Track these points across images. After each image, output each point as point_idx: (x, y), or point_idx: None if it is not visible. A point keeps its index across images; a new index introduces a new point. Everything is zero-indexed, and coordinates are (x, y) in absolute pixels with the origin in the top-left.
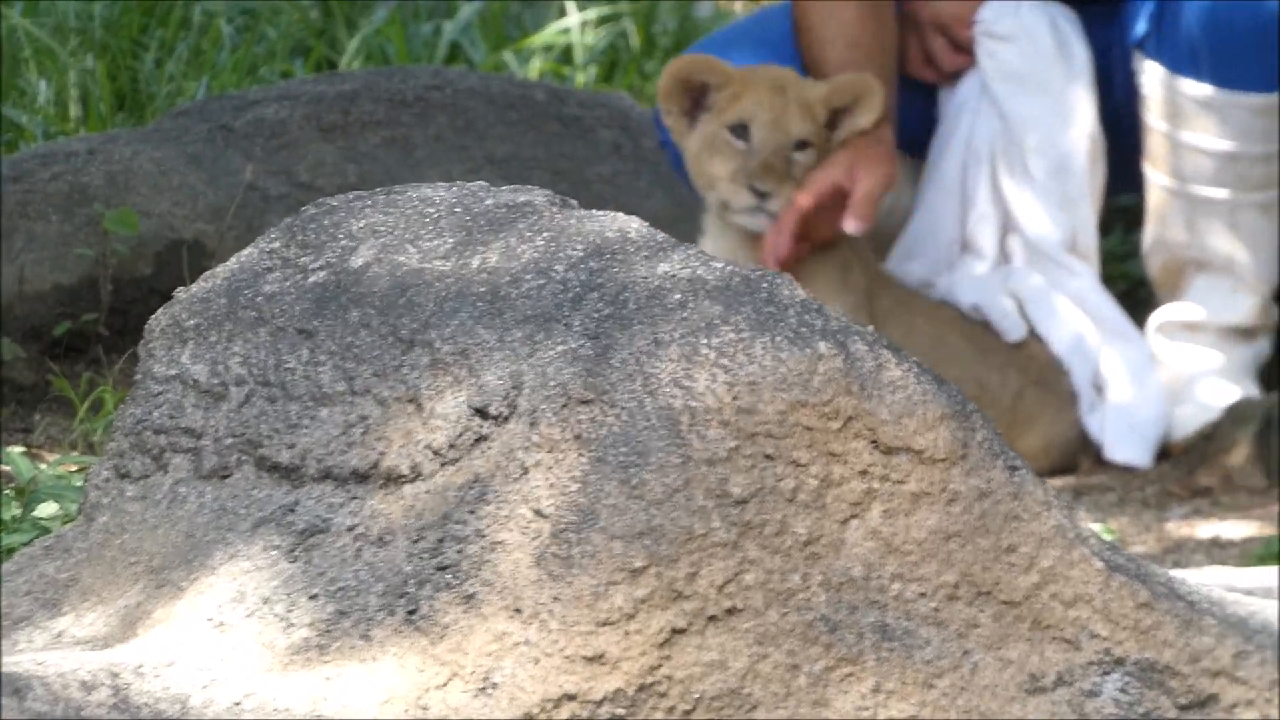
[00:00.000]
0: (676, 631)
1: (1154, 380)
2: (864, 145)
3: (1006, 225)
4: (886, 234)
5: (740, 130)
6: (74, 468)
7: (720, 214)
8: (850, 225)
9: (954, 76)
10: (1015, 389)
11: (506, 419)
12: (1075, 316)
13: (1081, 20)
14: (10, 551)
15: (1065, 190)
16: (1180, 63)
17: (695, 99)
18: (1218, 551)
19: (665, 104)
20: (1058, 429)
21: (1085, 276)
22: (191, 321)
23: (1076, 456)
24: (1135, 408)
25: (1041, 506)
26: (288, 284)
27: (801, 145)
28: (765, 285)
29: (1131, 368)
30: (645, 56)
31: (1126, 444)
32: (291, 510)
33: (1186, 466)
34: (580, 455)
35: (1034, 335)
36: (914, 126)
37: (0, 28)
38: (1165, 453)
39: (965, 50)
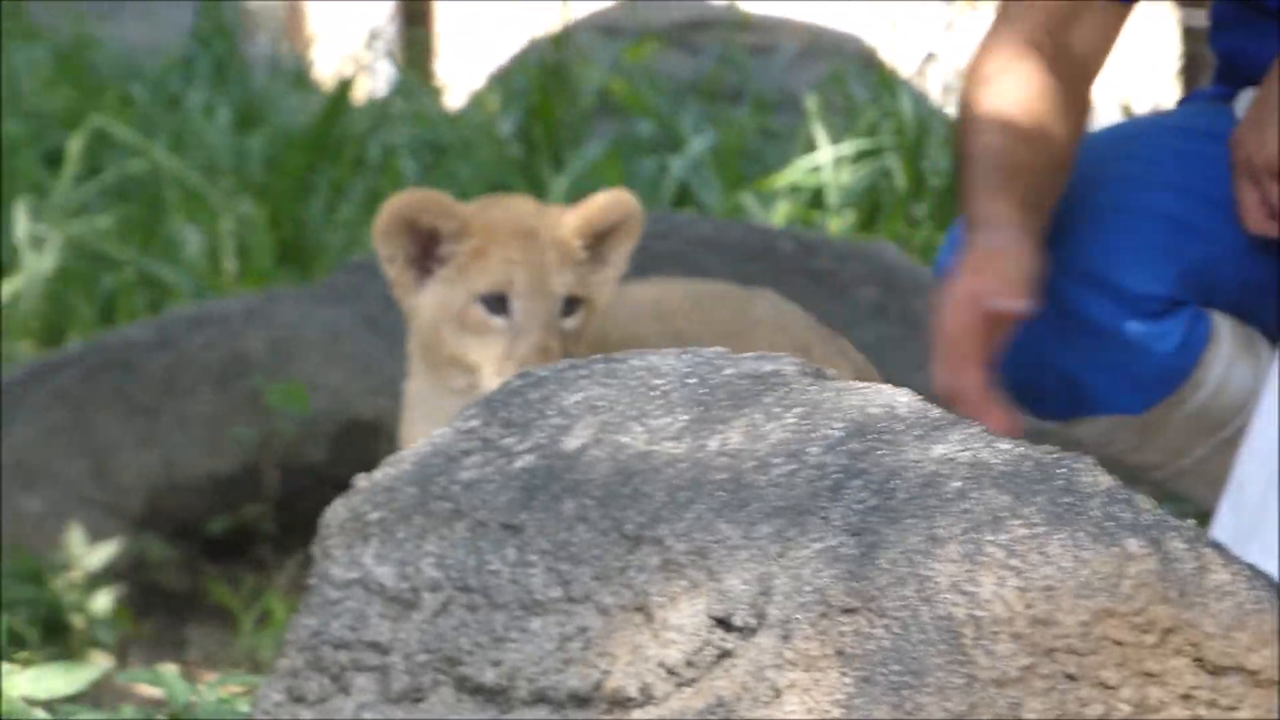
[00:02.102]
0: None
1: None
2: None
3: None
4: (1215, 415)
5: (497, 303)
6: (238, 689)
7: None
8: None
9: None
10: None
11: (754, 631)
12: None
13: None
14: None
15: None
16: None
17: (424, 246)
18: None
19: (385, 250)
20: None
21: None
22: (375, 515)
23: None
24: None
25: None
26: (489, 469)
27: (570, 305)
28: (1062, 470)
29: None
30: (912, 199)
31: None
32: None
33: None
34: (843, 675)
35: None
36: (1261, 291)
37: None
38: None
39: None
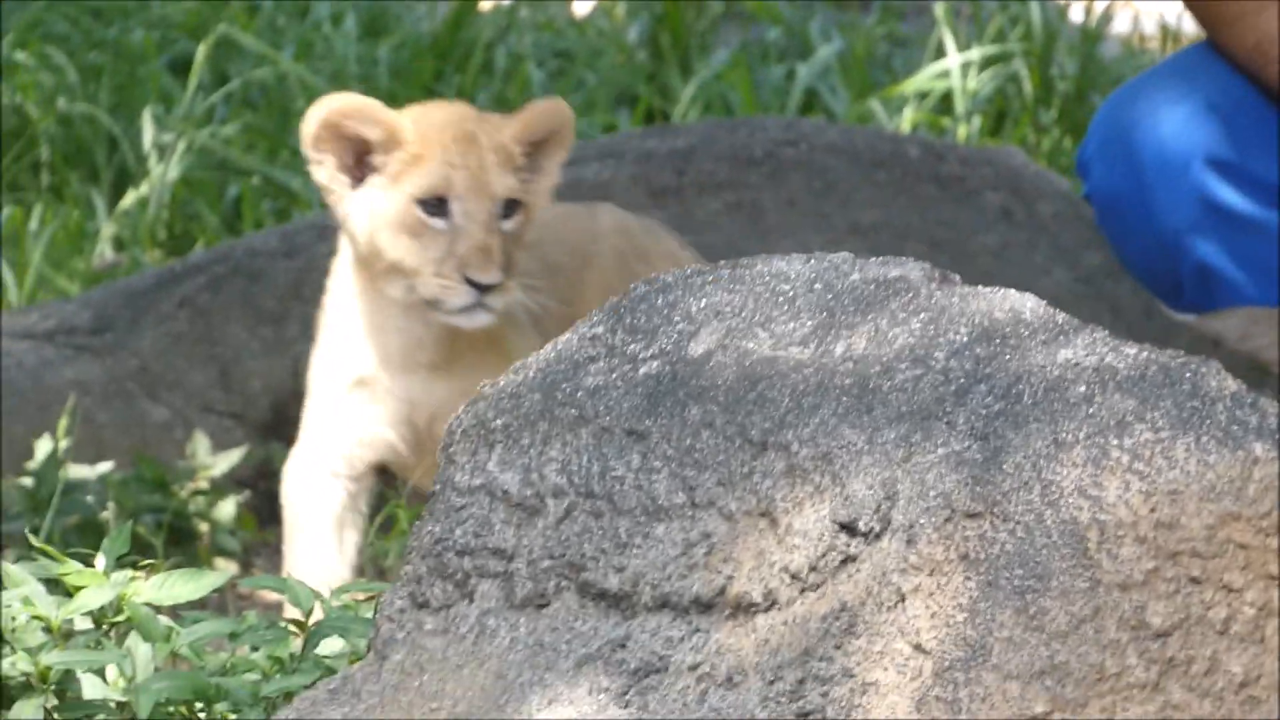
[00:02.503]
0: None
1: None
2: None
3: None
4: None
5: (436, 206)
6: (361, 596)
7: (413, 308)
8: None
9: None
10: None
11: (878, 536)
12: None
13: None
14: (290, 695)
15: None
16: None
17: (357, 154)
18: None
19: (315, 154)
20: None
21: None
22: (499, 421)
23: None
24: None
25: None
26: (614, 376)
27: (510, 208)
28: (1189, 375)
29: None
30: (1040, 105)
31: None
32: (622, 645)
33: None
34: (967, 579)
35: None
36: None
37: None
38: None
39: None
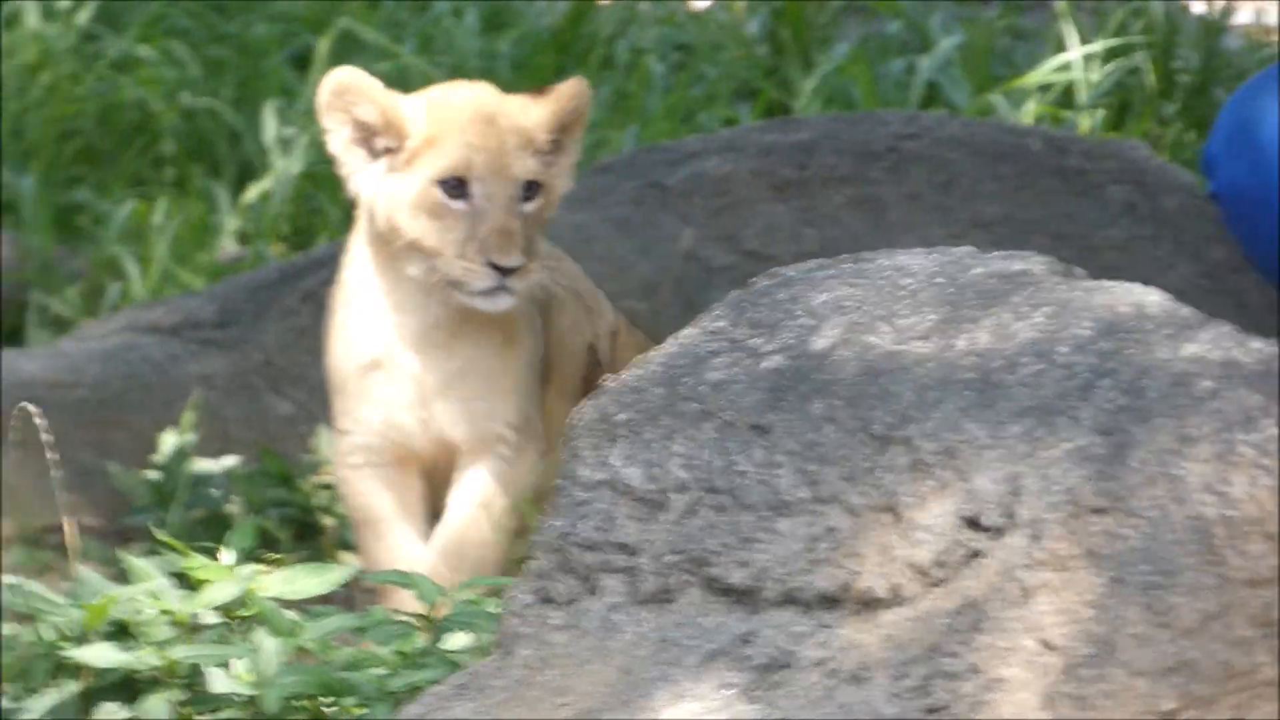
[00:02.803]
0: None
1: None
2: None
3: None
4: None
5: (456, 187)
6: (488, 591)
7: (433, 288)
8: None
9: None
10: None
11: (1003, 531)
12: None
13: None
14: (416, 690)
15: None
16: None
17: (367, 129)
18: None
19: (328, 124)
20: None
21: None
22: (622, 416)
23: None
24: None
25: None
26: (737, 370)
27: (530, 189)
28: None
29: None
30: (1163, 98)
31: None
32: (748, 641)
33: None
34: (1094, 574)
35: None
36: None
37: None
38: None
39: None
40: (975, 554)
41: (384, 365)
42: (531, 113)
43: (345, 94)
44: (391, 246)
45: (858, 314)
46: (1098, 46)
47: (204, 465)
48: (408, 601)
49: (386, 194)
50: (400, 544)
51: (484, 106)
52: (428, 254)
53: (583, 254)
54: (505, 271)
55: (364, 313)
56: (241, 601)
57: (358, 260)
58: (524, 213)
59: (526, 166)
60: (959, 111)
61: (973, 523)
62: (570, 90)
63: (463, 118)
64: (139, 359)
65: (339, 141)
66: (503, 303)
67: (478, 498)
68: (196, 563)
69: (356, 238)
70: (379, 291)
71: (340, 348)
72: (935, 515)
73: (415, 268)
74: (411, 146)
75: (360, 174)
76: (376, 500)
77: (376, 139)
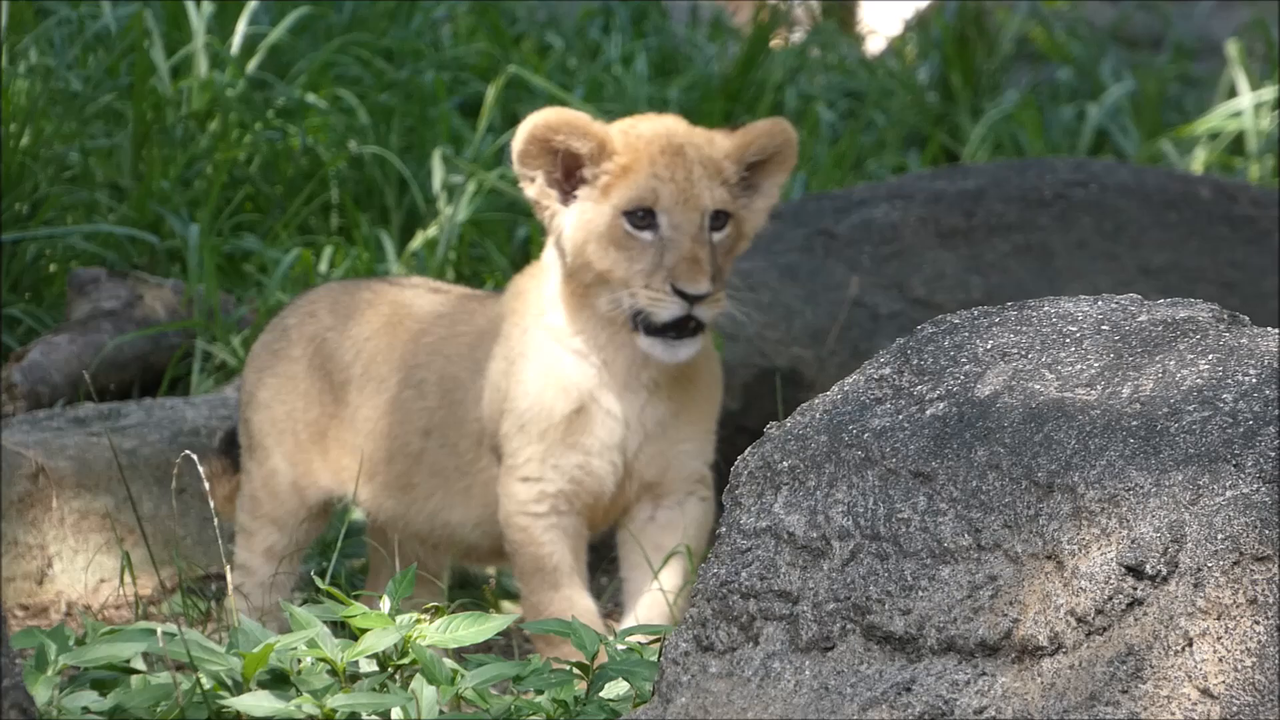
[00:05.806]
0: None
1: None
2: None
3: None
4: None
5: (642, 218)
6: (646, 639)
7: (616, 328)
8: None
9: None
10: None
11: (1165, 579)
12: None
13: None
14: None
15: None
16: None
17: (568, 167)
18: None
19: (524, 170)
20: None
21: None
22: (786, 463)
23: None
24: None
25: None
26: (901, 417)
27: (719, 219)
28: None
29: None
30: None
31: None
32: (907, 689)
33: None
34: (1256, 623)
35: None
36: None
37: None
38: None
39: None
40: (1136, 602)
41: (586, 410)
42: (719, 144)
43: (558, 129)
44: (581, 280)
45: (1022, 361)
46: (1268, 93)
47: (363, 514)
48: (571, 651)
49: (578, 226)
50: (577, 595)
51: (672, 138)
52: (615, 285)
53: (749, 298)
54: (693, 300)
55: (561, 359)
56: (400, 650)
57: (547, 306)
58: (712, 242)
59: (715, 196)
60: (1128, 159)
61: (1135, 570)
62: (763, 127)
63: (652, 149)
64: None
65: (536, 186)
66: (683, 353)
67: (689, 539)
68: (355, 611)
69: (540, 284)
70: (578, 333)
71: (537, 395)
72: (1097, 563)
73: (603, 302)
74: (606, 178)
75: (559, 215)
76: (556, 550)
77: (582, 170)
